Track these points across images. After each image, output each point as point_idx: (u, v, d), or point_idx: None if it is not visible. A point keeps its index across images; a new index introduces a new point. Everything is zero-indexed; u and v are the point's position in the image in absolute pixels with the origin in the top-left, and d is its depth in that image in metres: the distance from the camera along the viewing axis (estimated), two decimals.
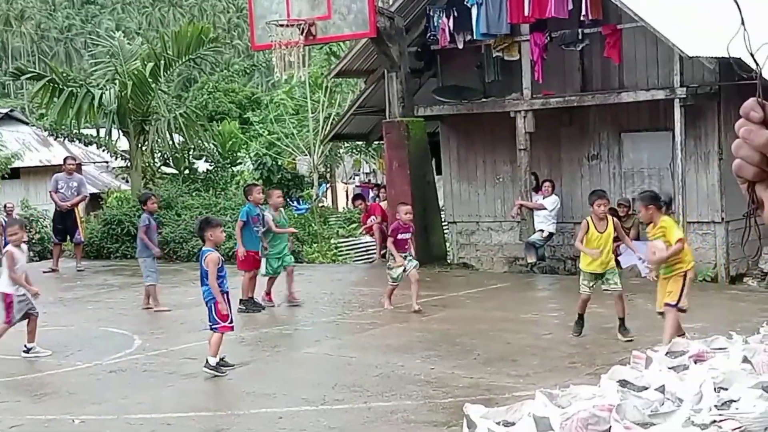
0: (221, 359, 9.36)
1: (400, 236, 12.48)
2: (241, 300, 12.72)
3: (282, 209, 13.57)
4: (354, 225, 22.75)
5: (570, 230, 17.27)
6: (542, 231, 16.65)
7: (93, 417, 7.94)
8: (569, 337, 10.36)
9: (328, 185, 34.94)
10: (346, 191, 37.40)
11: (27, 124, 35.53)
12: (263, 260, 12.91)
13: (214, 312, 9.25)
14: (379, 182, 26.45)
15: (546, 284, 15.37)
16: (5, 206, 26.38)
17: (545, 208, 16.58)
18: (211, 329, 9.35)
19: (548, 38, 16.06)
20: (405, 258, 12.41)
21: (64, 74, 23.90)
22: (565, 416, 5.52)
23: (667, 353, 7.07)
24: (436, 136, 18.87)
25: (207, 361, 9.27)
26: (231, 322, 9.39)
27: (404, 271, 12.35)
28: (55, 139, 28.91)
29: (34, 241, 27.89)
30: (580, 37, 15.99)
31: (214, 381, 9.18)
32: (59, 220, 17.98)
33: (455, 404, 7.55)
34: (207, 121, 28.02)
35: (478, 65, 17.71)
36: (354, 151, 32.59)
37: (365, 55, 18.29)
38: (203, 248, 9.50)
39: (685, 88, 14.87)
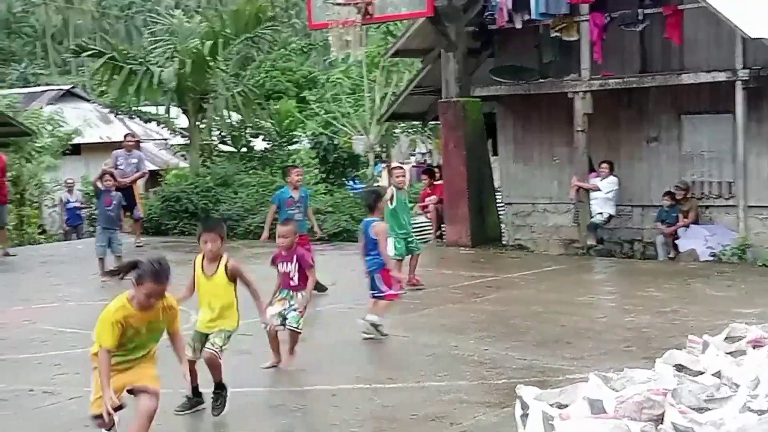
0: None
1: None
2: None
3: (403, 189, 12.56)
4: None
5: (628, 213, 17.12)
6: (601, 213, 16.50)
7: None
8: (625, 321, 10.28)
9: (384, 165, 34.94)
10: None
11: (88, 101, 35.94)
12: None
13: (379, 281, 9.49)
14: (433, 163, 26.35)
15: (602, 267, 15.24)
16: (66, 182, 26.84)
17: (599, 189, 16.44)
18: (375, 297, 9.60)
19: (608, 18, 15.88)
20: None
21: (124, 52, 24.11)
22: (619, 399, 5.49)
23: (725, 338, 6.99)
24: (493, 117, 18.77)
25: (367, 319, 9.51)
26: (400, 289, 9.78)
27: None
28: (115, 116, 29.23)
29: (93, 216, 28.38)
30: (640, 17, 15.80)
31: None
32: None
33: (508, 385, 7.54)
34: (264, 100, 28.14)
35: (536, 45, 17.58)
36: (410, 131, 32.51)
37: (422, 34, 18.21)
38: (367, 219, 9.73)
39: (747, 70, 14.62)
